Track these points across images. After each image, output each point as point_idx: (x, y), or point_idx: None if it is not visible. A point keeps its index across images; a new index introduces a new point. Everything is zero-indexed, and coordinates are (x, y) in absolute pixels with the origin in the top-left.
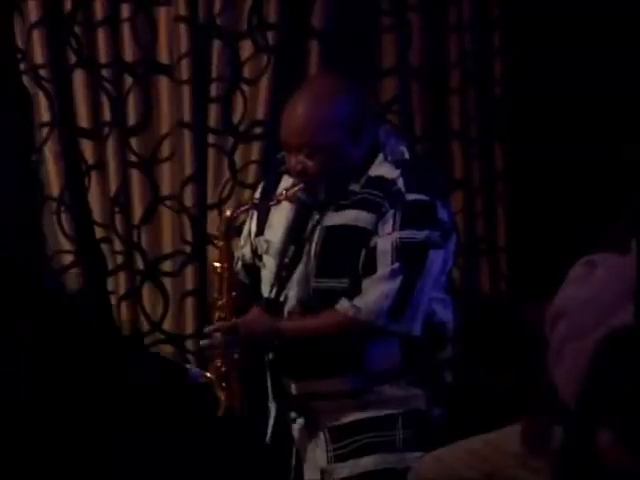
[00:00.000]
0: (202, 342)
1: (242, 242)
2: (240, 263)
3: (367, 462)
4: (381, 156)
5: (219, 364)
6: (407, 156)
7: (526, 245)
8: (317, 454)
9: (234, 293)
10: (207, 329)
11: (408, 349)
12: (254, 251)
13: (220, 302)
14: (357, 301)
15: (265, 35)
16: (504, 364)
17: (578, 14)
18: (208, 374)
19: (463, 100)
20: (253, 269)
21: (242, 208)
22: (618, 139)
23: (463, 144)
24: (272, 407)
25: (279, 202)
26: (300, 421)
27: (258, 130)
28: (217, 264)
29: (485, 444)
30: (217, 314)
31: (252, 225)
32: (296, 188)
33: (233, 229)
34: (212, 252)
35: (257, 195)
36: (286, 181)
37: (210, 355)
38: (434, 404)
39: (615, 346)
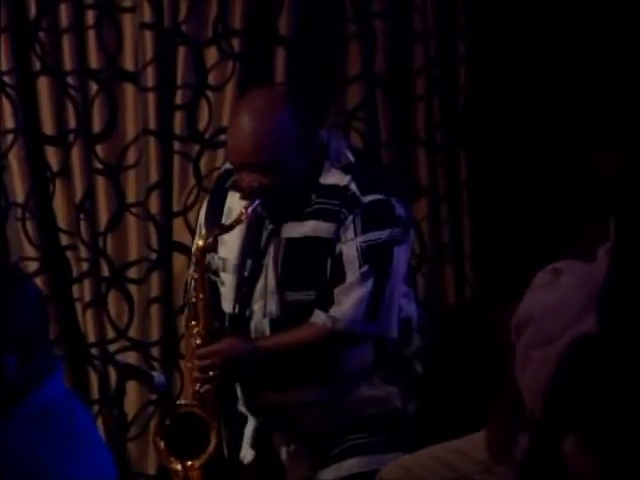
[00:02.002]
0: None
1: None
2: (193, 283)
3: (350, 465)
4: (327, 163)
5: (197, 388)
6: (352, 159)
7: (492, 253)
8: (299, 462)
9: (210, 322)
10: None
11: (381, 350)
12: (212, 271)
13: (196, 330)
14: (333, 312)
15: (230, 42)
16: (472, 370)
17: (544, 22)
18: (184, 401)
19: (428, 107)
20: (212, 288)
21: (212, 237)
22: (584, 146)
23: (428, 151)
24: (250, 420)
25: (240, 222)
26: (279, 431)
27: (224, 137)
28: (192, 295)
29: (450, 451)
30: (194, 340)
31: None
32: (255, 205)
33: (206, 259)
34: (177, 259)
35: (202, 212)
36: (233, 196)
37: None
38: (408, 399)
39: (580, 353)
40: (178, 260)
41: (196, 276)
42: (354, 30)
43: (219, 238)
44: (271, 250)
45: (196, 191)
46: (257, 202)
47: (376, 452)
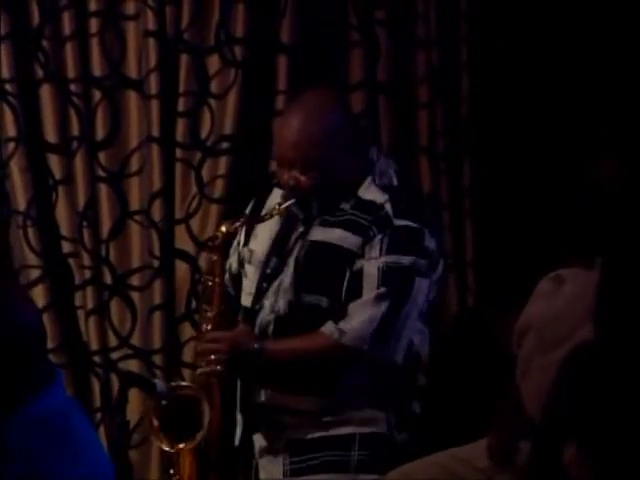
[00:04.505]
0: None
1: (231, 252)
2: (227, 274)
3: None
4: (370, 179)
5: (199, 372)
6: (395, 182)
7: (494, 260)
8: (274, 465)
9: (223, 307)
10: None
11: (379, 376)
12: (240, 261)
13: (209, 314)
14: (342, 324)
15: (233, 50)
16: (474, 377)
17: (547, 29)
18: (190, 384)
19: (430, 115)
20: (238, 279)
21: (237, 223)
22: (587, 155)
23: (430, 159)
24: (239, 418)
25: (272, 217)
26: (261, 431)
27: (225, 145)
28: (209, 277)
29: (452, 459)
30: (205, 325)
31: (241, 237)
32: (288, 203)
33: (228, 244)
34: (180, 267)
35: (250, 206)
36: (276, 194)
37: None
38: (398, 429)
39: (580, 361)
40: (180, 267)
41: (214, 259)
42: (357, 37)
43: (253, 231)
44: (295, 251)
45: (198, 199)
46: (291, 201)
47: (347, 472)
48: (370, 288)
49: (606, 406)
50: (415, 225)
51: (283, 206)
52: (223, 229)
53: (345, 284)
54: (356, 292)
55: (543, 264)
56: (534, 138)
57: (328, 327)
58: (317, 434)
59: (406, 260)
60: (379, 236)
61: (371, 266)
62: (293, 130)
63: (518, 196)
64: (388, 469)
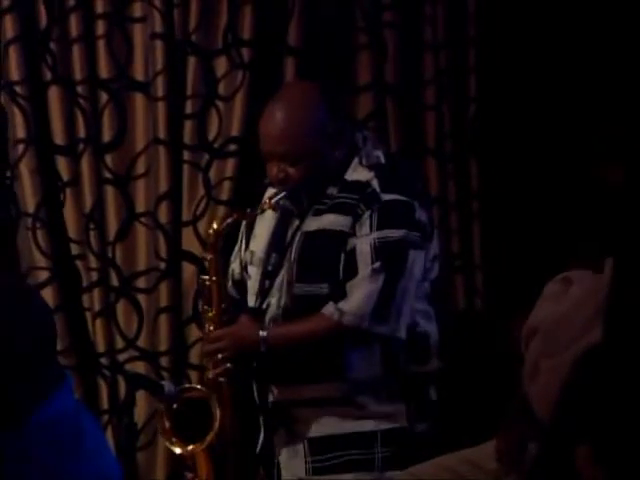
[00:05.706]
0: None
1: (232, 258)
2: (230, 281)
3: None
4: (356, 160)
5: (211, 376)
6: (382, 161)
7: (502, 262)
8: (295, 463)
9: (223, 305)
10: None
11: (390, 358)
12: (244, 266)
13: (210, 314)
14: (341, 304)
15: (240, 52)
16: (481, 379)
17: (554, 32)
18: (200, 387)
19: (438, 117)
20: (243, 284)
21: (228, 220)
22: (594, 156)
23: (438, 161)
24: (260, 419)
25: (263, 211)
26: (281, 429)
27: (233, 147)
28: (206, 277)
29: (460, 461)
30: (207, 326)
31: (242, 242)
32: (279, 196)
33: (221, 242)
34: (187, 269)
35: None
36: (269, 192)
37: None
38: (417, 420)
39: (591, 363)
40: (187, 270)
41: (209, 257)
42: (365, 40)
43: (252, 233)
44: (293, 245)
45: (205, 201)
46: (282, 194)
47: (373, 470)
48: (365, 265)
49: (619, 406)
50: (404, 198)
51: (274, 200)
52: (214, 226)
53: (341, 266)
54: (352, 271)
55: (551, 266)
56: (541, 140)
57: (328, 308)
58: (336, 430)
59: (397, 233)
60: (368, 212)
61: (363, 243)
62: (280, 124)
63: (526, 198)
64: (409, 464)
